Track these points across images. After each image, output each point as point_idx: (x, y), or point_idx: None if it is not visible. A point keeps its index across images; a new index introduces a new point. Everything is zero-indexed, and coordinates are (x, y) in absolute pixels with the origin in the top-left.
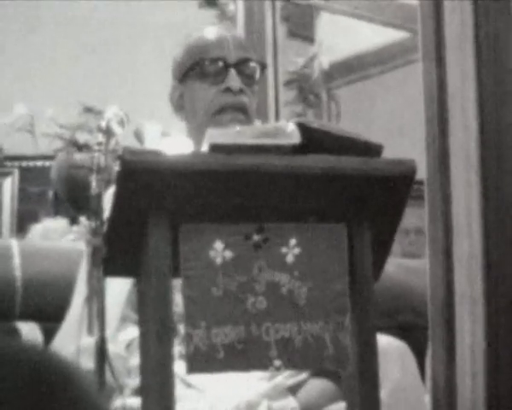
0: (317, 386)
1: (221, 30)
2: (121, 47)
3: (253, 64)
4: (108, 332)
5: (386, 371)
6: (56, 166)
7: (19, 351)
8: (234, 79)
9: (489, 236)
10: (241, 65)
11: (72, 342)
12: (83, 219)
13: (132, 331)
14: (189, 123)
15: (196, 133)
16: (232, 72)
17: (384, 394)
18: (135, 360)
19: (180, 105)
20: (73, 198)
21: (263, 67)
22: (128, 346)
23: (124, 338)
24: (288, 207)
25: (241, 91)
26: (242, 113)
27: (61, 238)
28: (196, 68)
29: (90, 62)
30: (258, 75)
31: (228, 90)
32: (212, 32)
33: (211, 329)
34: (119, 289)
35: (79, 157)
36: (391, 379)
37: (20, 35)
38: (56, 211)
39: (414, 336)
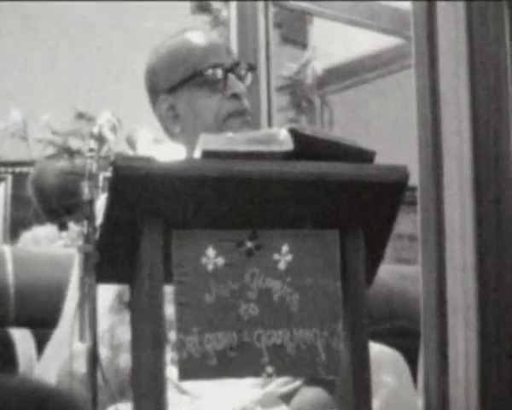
0: (309, 394)
1: (205, 34)
2: (114, 53)
3: (244, 66)
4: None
5: (379, 379)
6: (28, 184)
7: (23, 388)
8: (236, 84)
9: (482, 242)
10: (236, 68)
11: (64, 348)
12: (72, 225)
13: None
14: (186, 133)
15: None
16: (231, 77)
17: (377, 403)
18: (121, 359)
19: (172, 116)
20: (47, 210)
21: (252, 68)
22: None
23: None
24: (281, 213)
25: (243, 95)
26: (248, 115)
27: (51, 245)
28: (195, 78)
29: (83, 68)
30: (250, 76)
31: (233, 96)
32: (197, 37)
33: (203, 335)
34: (102, 300)
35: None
36: (384, 388)
37: (15, 42)
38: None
39: (407, 342)
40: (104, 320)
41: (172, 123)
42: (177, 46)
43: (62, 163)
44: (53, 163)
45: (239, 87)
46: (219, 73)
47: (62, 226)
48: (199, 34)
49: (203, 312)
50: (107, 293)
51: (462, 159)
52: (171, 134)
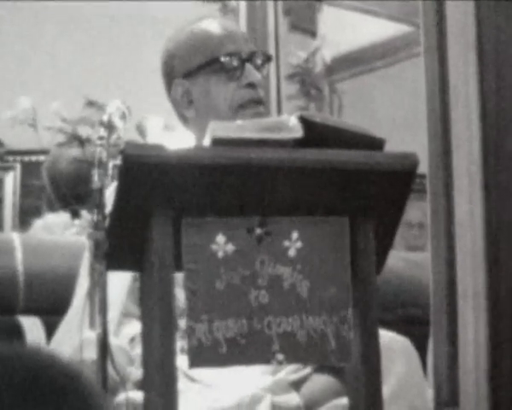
0: (320, 381)
1: (224, 22)
2: (124, 41)
3: (261, 56)
4: (111, 327)
5: (389, 366)
6: (43, 171)
7: (23, 354)
8: (253, 74)
9: (491, 229)
10: (253, 58)
11: (74, 335)
12: (85, 213)
13: (136, 326)
14: (199, 119)
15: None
16: (248, 66)
17: (387, 389)
18: (138, 350)
19: (187, 101)
20: (63, 197)
21: (268, 58)
22: (131, 341)
23: (127, 332)
24: (291, 200)
25: (259, 85)
26: (262, 106)
27: (64, 232)
28: (212, 65)
29: (92, 56)
30: (266, 67)
31: (249, 85)
32: (216, 25)
33: (213, 322)
34: (119, 284)
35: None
36: (394, 375)
37: (23, 29)
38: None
39: (416, 329)
40: (118, 305)
41: (186, 108)
42: (195, 32)
43: (75, 150)
44: (68, 151)
45: (255, 76)
46: (236, 61)
47: (75, 214)
48: (217, 22)
49: (213, 299)
50: (124, 277)
51: (471, 146)
52: (184, 119)
